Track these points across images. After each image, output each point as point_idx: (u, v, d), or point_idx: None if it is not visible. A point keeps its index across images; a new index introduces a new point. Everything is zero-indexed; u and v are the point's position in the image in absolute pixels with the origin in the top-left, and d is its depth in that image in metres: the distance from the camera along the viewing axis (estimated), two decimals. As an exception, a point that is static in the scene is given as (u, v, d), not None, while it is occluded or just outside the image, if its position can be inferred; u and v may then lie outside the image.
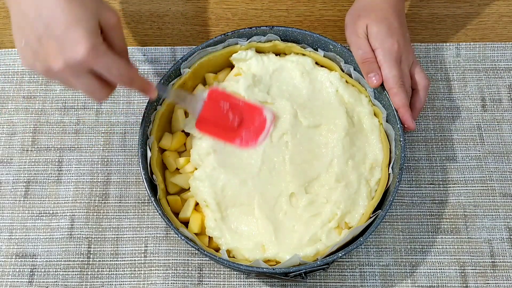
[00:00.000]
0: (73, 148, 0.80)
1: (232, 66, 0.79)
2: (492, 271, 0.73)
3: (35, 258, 0.74)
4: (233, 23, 0.89)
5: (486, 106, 0.82)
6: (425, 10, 0.89)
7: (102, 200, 0.77)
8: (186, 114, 0.76)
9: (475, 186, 0.77)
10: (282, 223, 0.70)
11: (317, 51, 0.78)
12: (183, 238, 0.65)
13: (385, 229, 0.75)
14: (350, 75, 0.77)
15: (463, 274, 0.73)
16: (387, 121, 0.74)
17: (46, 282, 0.73)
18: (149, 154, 0.71)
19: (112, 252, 0.74)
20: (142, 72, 0.84)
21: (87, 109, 0.82)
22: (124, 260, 0.74)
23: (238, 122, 0.71)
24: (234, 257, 0.69)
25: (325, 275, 0.73)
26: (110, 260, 0.74)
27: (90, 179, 0.78)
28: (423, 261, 0.73)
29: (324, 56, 0.77)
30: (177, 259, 0.73)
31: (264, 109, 0.72)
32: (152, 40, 0.88)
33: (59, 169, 0.79)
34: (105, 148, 0.80)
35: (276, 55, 0.79)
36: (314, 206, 0.70)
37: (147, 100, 0.73)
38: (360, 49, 0.73)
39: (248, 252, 0.68)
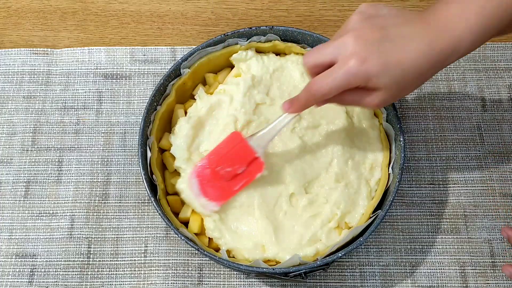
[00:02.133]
0: (73, 148, 0.80)
1: (232, 66, 0.79)
2: (492, 271, 0.73)
3: (35, 258, 0.74)
4: (233, 23, 0.89)
5: (486, 106, 0.82)
6: (425, 10, 0.89)
7: (102, 200, 0.77)
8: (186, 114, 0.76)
9: (475, 186, 0.77)
10: (282, 223, 0.70)
11: (317, 51, 0.78)
12: (183, 238, 0.65)
13: (385, 229, 0.75)
14: (350, 75, 0.77)
15: (463, 274, 0.73)
16: (387, 121, 0.74)
17: (46, 282, 0.73)
18: (149, 154, 0.71)
19: (112, 252, 0.74)
20: (142, 72, 0.84)
21: (87, 109, 0.82)
22: (124, 260, 0.74)
23: (236, 170, 0.69)
24: (234, 257, 0.69)
25: (325, 275, 0.73)
26: (110, 260, 0.74)
27: (90, 179, 0.78)
28: (423, 261, 0.73)
29: (324, 56, 0.77)
30: (177, 259, 0.73)
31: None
32: (152, 40, 0.88)
33: (59, 169, 0.79)
34: (105, 148, 0.80)
35: (276, 55, 0.79)
36: (314, 206, 0.70)
37: (147, 100, 0.73)
38: None
39: (248, 252, 0.68)
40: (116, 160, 0.79)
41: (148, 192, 0.68)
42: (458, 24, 0.55)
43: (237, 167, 0.68)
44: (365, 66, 0.54)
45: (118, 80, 0.84)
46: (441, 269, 0.73)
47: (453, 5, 0.55)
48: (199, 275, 0.73)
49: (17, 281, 0.73)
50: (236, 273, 0.73)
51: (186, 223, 0.70)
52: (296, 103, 0.62)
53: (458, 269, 0.73)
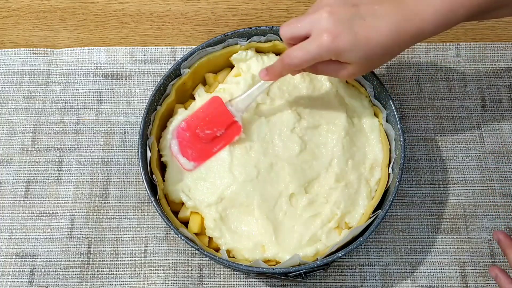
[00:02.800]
0: (73, 148, 0.80)
1: (232, 66, 0.79)
2: (492, 271, 0.73)
3: (35, 258, 0.74)
4: (233, 23, 0.89)
5: (486, 106, 0.82)
6: (425, 10, 0.89)
7: (102, 200, 0.77)
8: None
9: (475, 186, 0.77)
10: (282, 223, 0.70)
11: (317, 51, 0.78)
12: (183, 238, 0.65)
13: (385, 229, 0.75)
14: (350, 75, 0.77)
15: (463, 274, 0.73)
16: (387, 121, 0.74)
17: (46, 282, 0.73)
18: (149, 154, 0.71)
19: (112, 252, 0.74)
20: (142, 72, 0.84)
21: (87, 109, 0.82)
22: (124, 260, 0.74)
23: (215, 133, 0.71)
24: (234, 257, 0.69)
25: (325, 275, 0.73)
26: (110, 260, 0.74)
27: (90, 179, 0.78)
28: (423, 261, 0.73)
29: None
30: (177, 259, 0.73)
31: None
32: (152, 40, 0.88)
33: (59, 169, 0.79)
34: (105, 148, 0.80)
35: (276, 55, 0.79)
36: (314, 206, 0.70)
37: (147, 100, 0.73)
38: None
39: (248, 252, 0.68)
40: (116, 160, 0.79)
41: (148, 192, 0.68)
42: (425, 8, 0.59)
43: (216, 130, 0.71)
44: (336, 42, 0.58)
45: (118, 80, 0.84)
46: (441, 269, 0.73)
47: None
48: (199, 275, 0.73)
49: (17, 281, 0.73)
50: (236, 273, 0.73)
51: (186, 223, 0.70)
52: (271, 71, 0.66)
53: (458, 269, 0.73)
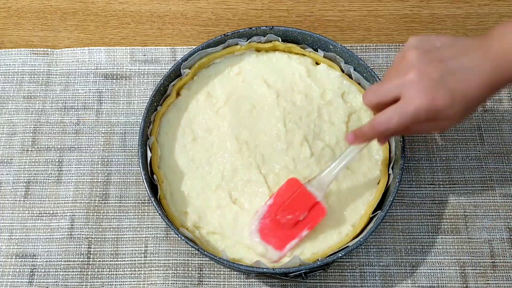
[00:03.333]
0: (73, 148, 0.80)
1: (232, 66, 0.79)
2: (492, 271, 0.73)
3: (35, 258, 0.74)
4: (233, 23, 0.89)
5: (486, 106, 0.82)
6: (425, 11, 0.89)
7: (102, 200, 0.77)
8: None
9: (475, 187, 0.77)
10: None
11: (317, 51, 0.78)
12: (183, 238, 0.65)
13: (385, 229, 0.75)
14: (350, 76, 0.77)
15: (463, 274, 0.73)
16: (387, 121, 0.74)
17: (46, 282, 0.73)
18: (149, 154, 0.71)
19: (112, 252, 0.74)
20: (142, 72, 0.84)
21: (87, 109, 0.82)
22: (124, 260, 0.74)
23: (297, 217, 0.68)
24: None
25: (325, 275, 0.73)
26: (110, 260, 0.74)
27: (90, 179, 0.78)
28: (423, 261, 0.73)
29: (324, 57, 0.77)
30: (177, 259, 0.73)
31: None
32: (152, 40, 0.88)
33: (59, 169, 0.79)
34: (105, 148, 0.80)
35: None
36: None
37: (147, 101, 0.73)
38: None
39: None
40: (116, 160, 0.79)
41: (148, 192, 0.68)
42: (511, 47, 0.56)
43: (298, 214, 0.67)
44: (435, 102, 0.56)
45: (118, 80, 0.84)
46: (441, 269, 0.73)
47: (509, 31, 0.56)
48: (199, 275, 0.73)
49: (17, 281, 0.73)
50: (236, 274, 0.73)
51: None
52: (360, 135, 0.63)
53: (458, 270, 0.73)
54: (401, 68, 0.59)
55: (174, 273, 0.73)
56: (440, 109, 0.56)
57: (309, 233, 0.68)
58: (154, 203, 0.67)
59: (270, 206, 0.69)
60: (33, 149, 0.80)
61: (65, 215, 0.76)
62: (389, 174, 0.71)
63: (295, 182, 0.69)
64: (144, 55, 0.85)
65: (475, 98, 0.57)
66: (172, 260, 0.73)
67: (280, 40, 0.78)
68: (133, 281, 0.72)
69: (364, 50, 0.85)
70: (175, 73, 0.75)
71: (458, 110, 0.57)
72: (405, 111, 0.57)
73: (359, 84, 0.77)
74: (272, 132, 0.73)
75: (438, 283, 0.72)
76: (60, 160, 0.79)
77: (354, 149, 0.66)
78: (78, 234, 0.75)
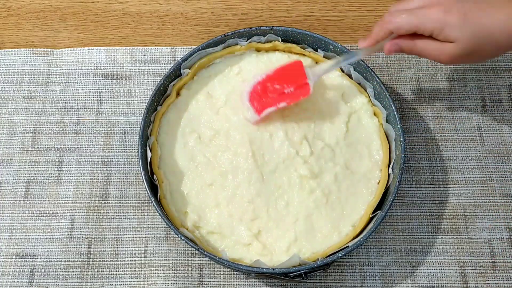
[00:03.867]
0: (73, 148, 0.80)
1: (232, 66, 0.79)
2: (492, 271, 0.73)
3: (35, 258, 0.74)
4: (233, 23, 0.89)
5: (486, 107, 0.82)
6: (425, 10, 0.89)
7: (102, 200, 0.77)
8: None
9: (475, 187, 0.77)
10: (283, 220, 0.70)
11: (317, 51, 0.78)
12: (183, 238, 0.65)
13: (385, 229, 0.75)
14: (350, 76, 0.77)
15: (463, 274, 0.73)
16: (387, 122, 0.74)
17: (46, 282, 0.73)
18: (149, 154, 0.71)
19: (112, 252, 0.74)
20: (142, 72, 0.84)
21: (87, 109, 0.82)
22: (124, 260, 0.74)
23: (283, 88, 0.72)
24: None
25: (325, 275, 0.73)
26: (110, 260, 0.74)
27: (90, 179, 0.78)
28: (423, 261, 0.73)
29: (324, 57, 0.77)
30: (177, 259, 0.73)
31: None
32: (152, 40, 0.88)
33: (59, 169, 0.79)
34: (105, 148, 0.80)
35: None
36: (315, 204, 0.71)
37: (147, 101, 0.73)
38: None
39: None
40: (116, 160, 0.79)
41: (148, 192, 0.68)
42: None
43: (285, 86, 0.71)
44: (446, 15, 0.57)
45: (118, 80, 0.84)
46: (441, 269, 0.73)
47: None
48: (199, 275, 0.73)
49: (17, 281, 0.73)
50: (236, 274, 0.73)
51: None
52: (369, 36, 0.64)
53: (458, 270, 0.73)
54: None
55: (174, 273, 0.73)
56: (448, 22, 0.57)
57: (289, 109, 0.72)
58: (154, 203, 0.67)
59: (268, 75, 0.73)
60: (33, 149, 0.80)
61: (65, 215, 0.76)
62: (389, 174, 0.71)
63: (298, 62, 0.73)
64: (144, 55, 0.85)
65: (488, 31, 0.57)
66: (172, 260, 0.73)
67: (280, 40, 0.78)
68: (133, 281, 0.72)
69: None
70: (175, 73, 0.75)
71: (467, 35, 0.57)
72: (415, 13, 0.59)
73: (359, 84, 0.77)
74: (272, 132, 0.73)
75: (438, 283, 0.72)
76: (60, 160, 0.79)
77: (359, 52, 0.68)
78: (78, 234, 0.75)
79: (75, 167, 0.79)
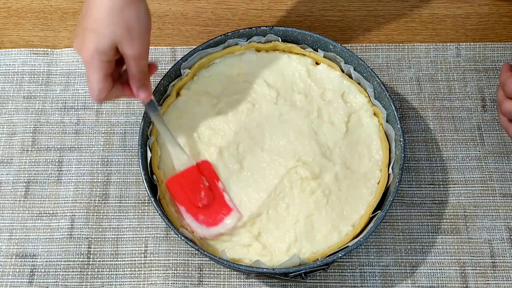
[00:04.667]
0: (73, 148, 0.80)
1: (232, 66, 0.79)
2: (492, 271, 0.73)
3: (35, 258, 0.74)
4: (233, 23, 0.89)
5: (486, 107, 0.82)
6: (425, 10, 0.89)
7: (102, 200, 0.77)
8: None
9: (475, 186, 0.77)
10: (283, 219, 0.70)
11: (317, 51, 0.78)
12: (183, 238, 0.65)
13: (385, 229, 0.75)
14: (350, 76, 0.77)
15: (463, 274, 0.73)
16: (387, 121, 0.74)
17: (46, 282, 0.73)
18: (149, 154, 0.71)
19: (112, 252, 0.74)
20: (142, 72, 0.84)
21: (87, 109, 0.82)
22: (124, 260, 0.74)
23: (204, 204, 0.70)
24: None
25: (325, 275, 0.73)
26: (110, 260, 0.74)
27: (90, 179, 0.78)
28: (423, 261, 0.73)
29: (324, 57, 0.77)
30: (177, 259, 0.73)
31: (233, 212, 0.70)
32: (152, 40, 0.88)
33: (59, 169, 0.79)
34: (105, 148, 0.80)
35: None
36: (314, 205, 0.71)
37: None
38: None
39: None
40: (116, 160, 0.79)
41: (148, 192, 0.68)
42: None
43: (201, 186, 0.70)
44: None
45: (118, 80, 0.84)
46: (441, 269, 0.73)
47: None
48: (199, 275, 0.73)
49: (17, 281, 0.73)
50: (236, 274, 0.73)
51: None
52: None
53: (458, 270, 0.73)
54: None
55: (174, 273, 0.73)
56: None
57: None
58: (154, 203, 0.67)
59: (186, 208, 0.70)
60: (33, 149, 0.80)
61: (65, 215, 0.76)
62: (389, 174, 0.71)
63: (173, 179, 0.71)
64: (144, 55, 0.85)
65: None
66: (172, 260, 0.73)
67: (280, 40, 0.78)
68: (133, 281, 0.72)
69: (364, 50, 0.85)
70: (175, 73, 0.75)
71: None
72: None
73: (359, 84, 0.77)
74: (272, 131, 0.73)
75: (438, 283, 0.72)
76: (60, 160, 0.79)
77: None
78: (78, 234, 0.75)
79: (75, 167, 0.79)
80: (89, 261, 0.74)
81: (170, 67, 0.75)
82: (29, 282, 0.73)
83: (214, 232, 0.69)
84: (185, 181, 0.70)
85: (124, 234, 0.75)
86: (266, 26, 0.77)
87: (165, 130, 0.69)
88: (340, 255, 0.65)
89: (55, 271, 0.73)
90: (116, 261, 0.74)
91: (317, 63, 0.78)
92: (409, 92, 0.83)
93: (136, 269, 0.73)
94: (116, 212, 0.76)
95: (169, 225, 0.66)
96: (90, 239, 0.75)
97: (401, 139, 0.70)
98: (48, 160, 0.79)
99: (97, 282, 0.73)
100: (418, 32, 0.87)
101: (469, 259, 0.73)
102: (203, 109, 0.76)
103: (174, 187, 0.70)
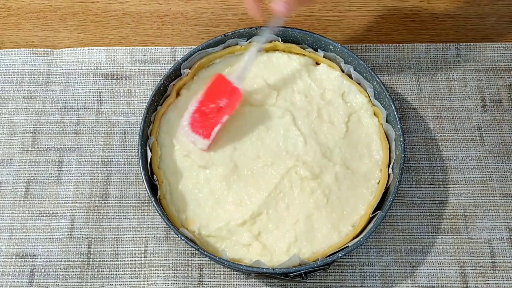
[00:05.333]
0: (73, 148, 0.80)
1: (232, 66, 0.79)
2: (492, 271, 0.73)
3: (35, 258, 0.74)
4: (233, 23, 0.89)
5: (486, 107, 0.82)
6: (425, 10, 0.89)
7: (102, 200, 0.77)
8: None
9: (475, 186, 0.77)
10: (284, 219, 0.70)
11: (317, 51, 0.78)
12: (183, 238, 0.65)
13: (385, 229, 0.75)
14: (350, 76, 0.77)
15: (463, 274, 0.73)
16: (387, 121, 0.74)
17: (46, 282, 0.73)
18: (149, 154, 0.71)
19: (112, 252, 0.74)
20: (142, 72, 0.84)
21: (87, 109, 0.82)
22: (124, 260, 0.74)
23: (218, 104, 0.73)
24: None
25: (325, 275, 0.73)
26: (110, 260, 0.74)
27: (90, 179, 0.78)
28: (423, 261, 0.73)
29: (324, 57, 0.77)
30: (177, 259, 0.73)
31: (206, 140, 0.72)
32: (152, 40, 0.88)
33: (59, 169, 0.79)
34: (105, 148, 0.80)
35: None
36: (314, 205, 0.71)
37: (147, 101, 0.73)
38: None
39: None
40: (116, 160, 0.79)
41: (148, 192, 0.68)
42: None
43: (218, 102, 0.72)
44: None
45: (118, 80, 0.84)
46: (441, 269, 0.73)
47: None
48: (199, 275, 0.73)
49: (17, 281, 0.73)
50: (236, 274, 0.73)
51: None
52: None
53: (458, 270, 0.73)
54: None
55: (174, 273, 0.73)
56: None
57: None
58: (154, 203, 0.67)
59: (199, 101, 0.73)
60: (33, 149, 0.80)
61: (65, 215, 0.76)
62: (389, 174, 0.71)
63: (218, 75, 0.74)
64: (144, 55, 0.85)
65: None
66: (172, 260, 0.73)
67: (280, 40, 0.78)
68: (133, 281, 0.72)
69: (364, 50, 0.85)
70: (175, 73, 0.75)
71: None
72: None
73: (359, 84, 0.77)
74: (272, 131, 0.73)
75: (438, 283, 0.72)
76: (60, 160, 0.79)
77: (261, 38, 0.72)
78: (78, 234, 0.75)
79: (75, 167, 0.79)
80: (89, 261, 0.74)
81: (170, 67, 0.75)
82: (29, 282, 0.73)
83: (188, 138, 0.72)
84: (222, 87, 0.73)
85: (124, 234, 0.75)
86: (266, 26, 0.77)
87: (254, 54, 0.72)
88: (340, 255, 0.65)
89: (55, 271, 0.73)
90: (116, 261, 0.74)
91: (317, 63, 0.78)
92: (409, 92, 0.83)
93: (136, 269, 0.73)
94: (116, 212, 0.76)
95: (169, 225, 0.66)
96: (90, 239, 0.75)
97: (401, 139, 0.70)
98: (48, 160, 0.79)
99: (97, 282, 0.73)
100: (418, 32, 0.87)
101: (469, 259, 0.73)
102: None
103: (216, 83, 0.73)
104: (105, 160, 0.79)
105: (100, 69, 0.85)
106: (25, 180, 0.78)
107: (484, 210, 0.76)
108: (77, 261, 0.74)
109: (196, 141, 0.72)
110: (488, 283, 0.72)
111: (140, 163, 0.69)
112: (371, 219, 0.69)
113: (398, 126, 0.71)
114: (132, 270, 0.73)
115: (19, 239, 0.75)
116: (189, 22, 0.89)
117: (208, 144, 0.72)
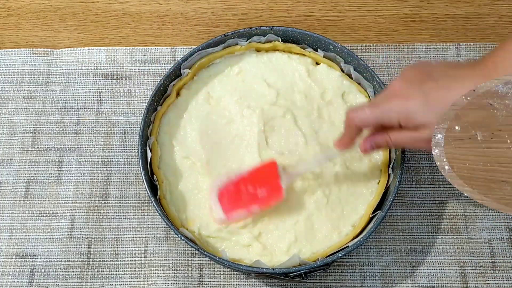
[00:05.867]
0: (73, 148, 0.80)
1: (232, 66, 0.79)
2: (492, 271, 0.73)
3: (35, 258, 0.74)
4: (233, 23, 0.89)
5: (486, 106, 0.82)
6: (425, 10, 0.89)
7: (102, 200, 0.77)
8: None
9: (475, 186, 0.77)
10: (284, 220, 0.70)
11: (317, 51, 0.78)
12: (183, 238, 0.65)
13: (385, 229, 0.75)
14: (350, 76, 0.77)
15: (463, 274, 0.73)
16: (387, 121, 0.74)
17: (46, 282, 0.73)
18: (149, 154, 0.71)
19: (112, 252, 0.74)
20: (142, 72, 0.84)
21: (87, 109, 0.82)
22: (124, 260, 0.74)
23: (256, 191, 0.69)
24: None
25: (325, 275, 0.73)
26: (110, 260, 0.74)
27: (90, 179, 0.78)
28: (423, 261, 0.73)
29: (324, 57, 0.77)
30: (177, 259, 0.73)
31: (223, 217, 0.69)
32: (152, 40, 0.88)
33: (59, 169, 0.79)
34: (105, 148, 0.80)
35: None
36: (314, 205, 0.71)
37: (147, 101, 0.73)
38: None
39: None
40: (116, 160, 0.79)
41: (148, 192, 0.68)
42: (505, 66, 0.54)
43: (258, 189, 0.68)
44: (407, 102, 0.56)
45: (118, 80, 0.84)
46: (441, 269, 0.73)
47: (498, 51, 0.56)
48: (199, 275, 0.73)
49: (17, 281, 0.73)
50: (236, 274, 0.73)
51: None
52: (342, 138, 0.64)
53: (458, 270, 0.73)
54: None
55: (174, 273, 0.73)
56: (411, 110, 0.56)
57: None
58: (154, 203, 0.67)
59: (242, 176, 0.70)
60: (33, 149, 0.80)
61: (65, 215, 0.76)
62: (389, 174, 0.71)
63: (274, 164, 0.70)
64: (144, 55, 0.85)
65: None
66: (172, 260, 0.73)
67: (280, 40, 0.78)
68: (133, 281, 0.72)
69: (364, 50, 0.85)
70: (175, 73, 0.75)
71: (433, 116, 0.54)
72: (378, 105, 0.58)
73: (359, 84, 0.77)
74: (272, 131, 0.73)
75: (438, 283, 0.72)
76: (60, 160, 0.79)
77: (335, 153, 0.67)
78: (78, 234, 0.75)
79: (75, 167, 0.79)
80: (89, 261, 0.74)
81: (170, 67, 0.75)
82: (29, 282, 0.73)
83: (211, 197, 0.70)
84: (269, 178, 0.69)
85: (124, 234, 0.75)
86: (266, 26, 0.77)
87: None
88: (340, 255, 0.65)
89: (55, 271, 0.73)
90: (116, 261, 0.74)
91: (317, 63, 0.78)
92: (409, 92, 0.83)
93: (136, 269, 0.73)
94: (116, 212, 0.76)
95: (169, 225, 0.66)
96: (90, 239, 0.75)
97: (401, 139, 0.70)
98: (48, 160, 0.79)
99: (97, 282, 0.73)
100: (418, 32, 0.87)
101: (469, 259, 0.73)
102: (203, 109, 0.76)
103: (266, 169, 0.70)
104: (105, 160, 0.79)
105: (100, 69, 0.85)
106: (25, 180, 0.78)
107: (484, 210, 0.76)
108: (77, 261, 0.74)
109: (215, 207, 0.69)
110: (488, 283, 0.72)
111: (140, 163, 0.69)
112: (371, 219, 0.69)
113: (398, 126, 0.71)
114: (132, 270, 0.73)
115: (19, 239, 0.75)
116: (189, 22, 0.89)
117: (223, 219, 0.69)
